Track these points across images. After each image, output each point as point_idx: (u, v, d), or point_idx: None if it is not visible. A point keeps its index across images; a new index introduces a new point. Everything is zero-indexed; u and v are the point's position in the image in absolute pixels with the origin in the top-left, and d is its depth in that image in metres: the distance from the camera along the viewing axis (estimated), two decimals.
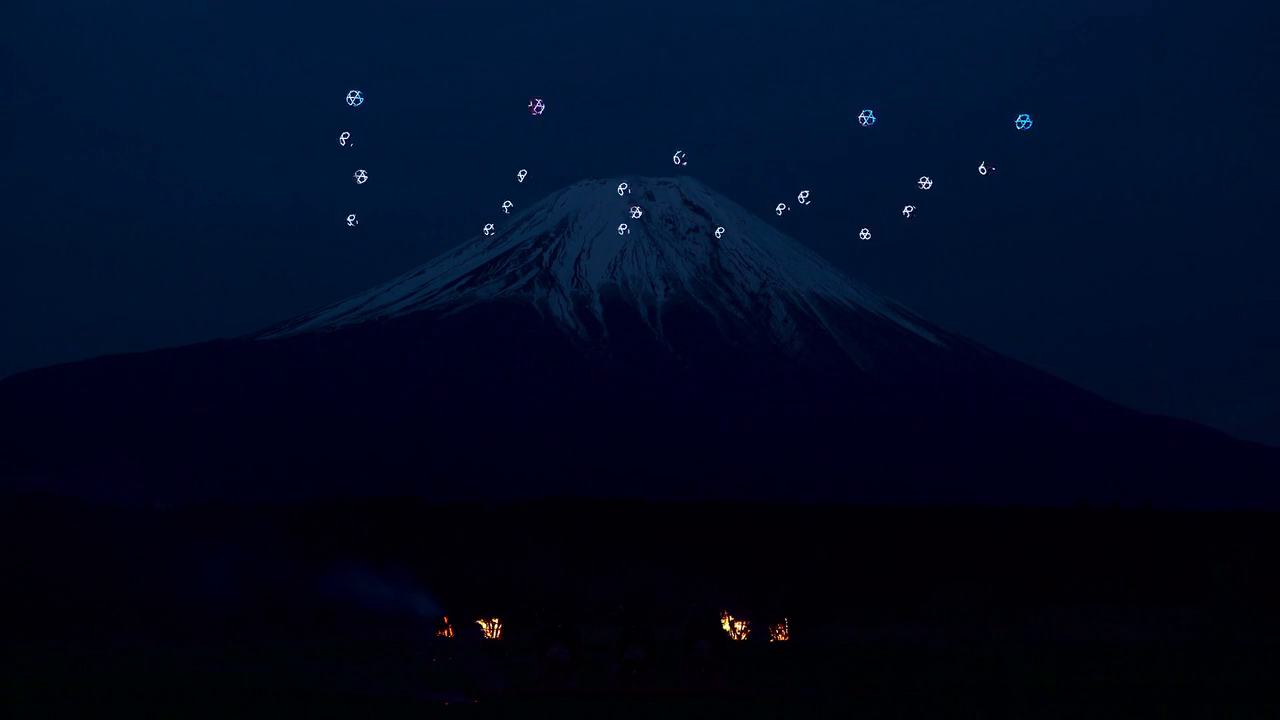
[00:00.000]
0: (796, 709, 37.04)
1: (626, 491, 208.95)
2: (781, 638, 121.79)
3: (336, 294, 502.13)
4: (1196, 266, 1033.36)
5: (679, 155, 71.09)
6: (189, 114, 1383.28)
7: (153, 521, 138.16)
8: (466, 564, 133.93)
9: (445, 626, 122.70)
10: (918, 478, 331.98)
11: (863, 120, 61.96)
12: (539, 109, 63.27)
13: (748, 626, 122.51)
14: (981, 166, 60.95)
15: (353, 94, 60.42)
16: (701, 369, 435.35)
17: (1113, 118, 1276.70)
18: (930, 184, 64.21)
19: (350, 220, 75.05)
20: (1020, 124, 60.18)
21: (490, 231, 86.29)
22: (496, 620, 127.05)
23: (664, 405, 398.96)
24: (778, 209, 66.11)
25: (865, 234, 75.87)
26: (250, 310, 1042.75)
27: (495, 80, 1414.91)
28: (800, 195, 65.39)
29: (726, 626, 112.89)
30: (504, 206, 67.96)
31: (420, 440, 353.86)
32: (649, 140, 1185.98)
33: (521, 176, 67.40)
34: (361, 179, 61.71)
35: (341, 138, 61.80)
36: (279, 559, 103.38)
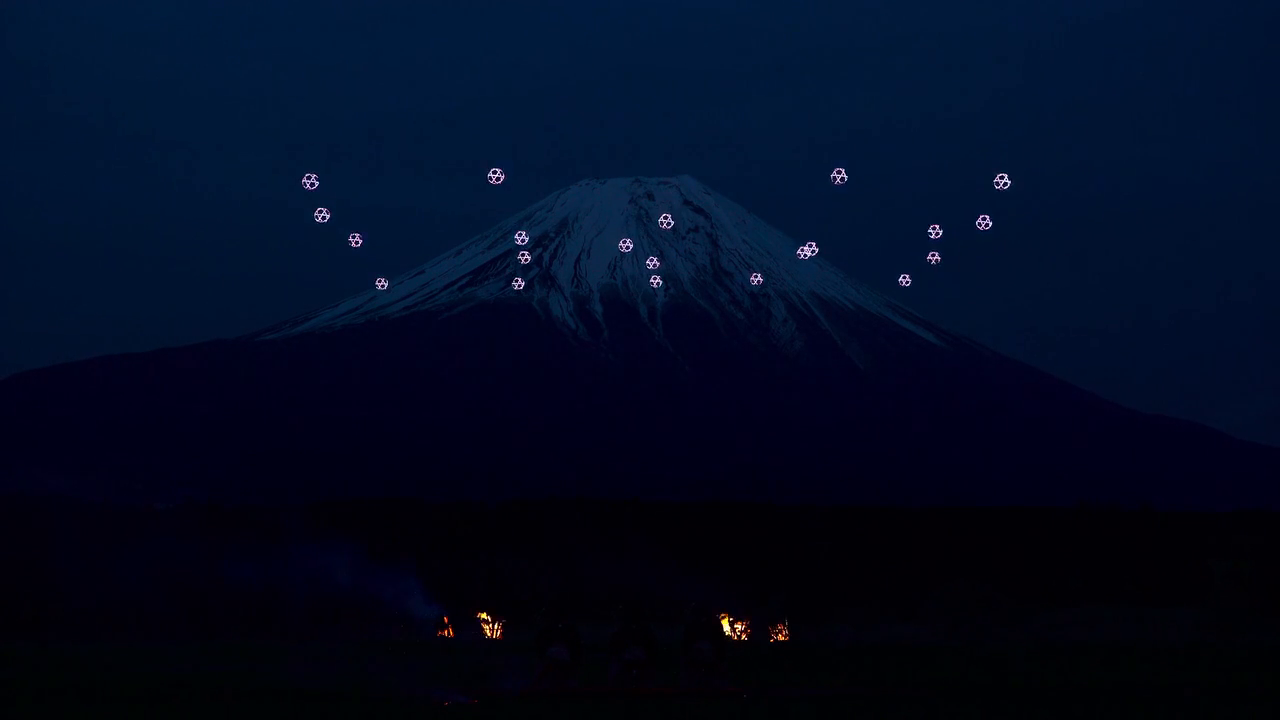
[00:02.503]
0: (796, 709, 37.03)
1: (626, 491, 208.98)
2: (781, 638, 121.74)
3: (336, 294, 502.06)
4: (1197, 266, 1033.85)
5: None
6: (189, 114, 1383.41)
7: (152, 521, 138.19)
8: (466, 564, 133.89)
9: (445, 626, 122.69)
10: (918, 478, 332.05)
11: (836, 179, 63.34)
12: (499, 178, 65.56)
13: (748, 626, 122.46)
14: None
15: (308, 178, 62.26)
16: (701, 369, 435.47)
17: (1111, 115, 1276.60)
18: (940, 232, 64.66)
19: (381, 285, 76.74)
20: (998, 184, 60.98)
21: (524, 242, 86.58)
22: (497, 620, 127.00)
23: (664, 405, 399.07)
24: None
25: (905, 280, 75.51)
26: (250, 310, 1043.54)
27: (495, 80, 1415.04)
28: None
29: (726, 626, 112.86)
30: (519, 240, 69.62)
31: (420, 440, 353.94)
32: (649, 140, 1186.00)
33: (521, 240, 68.53)
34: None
35: (319, 214, 63.16)
36: (277, 559, 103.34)
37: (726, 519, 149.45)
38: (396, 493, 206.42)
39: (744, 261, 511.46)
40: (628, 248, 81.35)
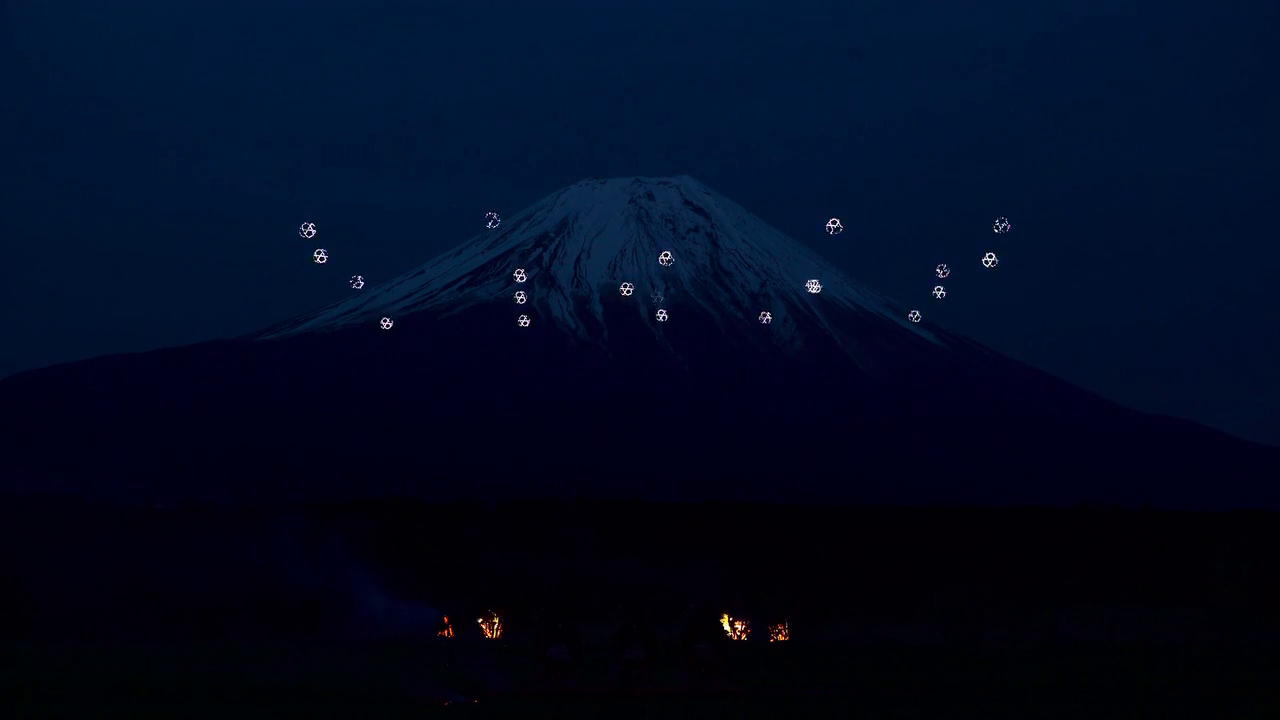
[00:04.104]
0: (796, 709, 37.04)
1: (626, 491, 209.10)
2: (781, 638, 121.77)
3: (336, 294, 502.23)
4: (1197, 266, 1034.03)
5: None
6: (189, 114, 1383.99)
7: (153, 521, 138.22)
8: (466, 564, 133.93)
9: (445, 626, 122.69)
10: (918, 478, 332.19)
11: (831, 228, 65.42)
12: (495, 223, 68.81)
13: (748, 626, 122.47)
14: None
15: (305, 228, 63.93)
16: (701, 369, 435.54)
17: (1112, 113, 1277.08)
18: (948, 271, 65.45)
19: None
20: (998, 227, 61.82)
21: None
22: (497, 620, 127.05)
23: (664, 405, 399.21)
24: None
25: (915, 316, 76.27)
26: (250, 310, 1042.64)
27: (496, 80, 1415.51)
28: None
29: (726, 626, 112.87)
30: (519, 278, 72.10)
31: (420, 440, 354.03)
32: (649, 140, 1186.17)
33: (520, 278, 70.37)
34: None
35: (318, 255, 65.17)
36: (276, 559, 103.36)
37: (726, 519, 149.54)
38: (396, 493, 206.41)
39: (744, 261, 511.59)
40: (668, 260, 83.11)
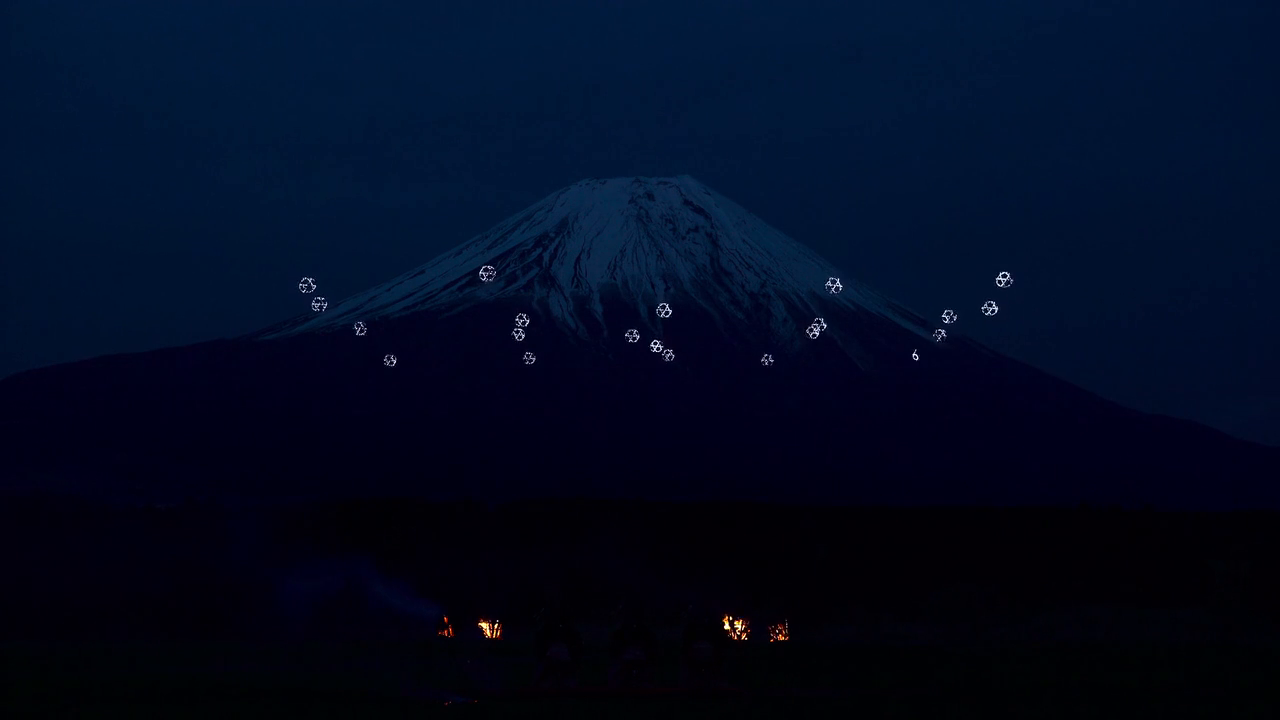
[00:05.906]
0: (796, 709, 37.03)
1: (626, 491, 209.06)
2: (781, 638, 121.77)
3: (336, 294, 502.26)
4: (1197, 265, 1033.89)
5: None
6: (189, 114, 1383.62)
7: (153, 521, 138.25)
8: (466, 564, 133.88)
9: (445, 626, 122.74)
10: (918, 478, 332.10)
11: (830, 287, 67.34)
12: (490, 276, 72.02)
13: (748, 626, 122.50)
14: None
15: (305, 281, 65.66)
16: (701, 369, 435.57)
17: (1110, 112, 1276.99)
18: (955, 318, 66.03)
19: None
20: (1000, 281, 62.58)
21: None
22: (497, 620, 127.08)
23: (664, 405, 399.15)
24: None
25: (913, 354, 77.85)
26: (250, 310, 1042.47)
27: (495, 81, 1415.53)
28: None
29: (726, 626, 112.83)
30: (483, 275, 74.67)
31: (420, 440, 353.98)
32: (649, 140, 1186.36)
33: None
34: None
35: (316, 304, 66.72)
36: (275, 559, 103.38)
37: (726, 519, 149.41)
38: (396, 493, 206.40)
39: (744, 261, 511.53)
40: (666, 312, 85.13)
